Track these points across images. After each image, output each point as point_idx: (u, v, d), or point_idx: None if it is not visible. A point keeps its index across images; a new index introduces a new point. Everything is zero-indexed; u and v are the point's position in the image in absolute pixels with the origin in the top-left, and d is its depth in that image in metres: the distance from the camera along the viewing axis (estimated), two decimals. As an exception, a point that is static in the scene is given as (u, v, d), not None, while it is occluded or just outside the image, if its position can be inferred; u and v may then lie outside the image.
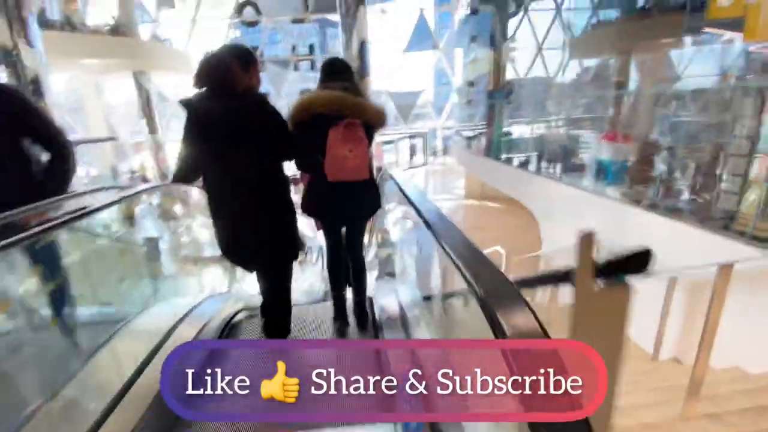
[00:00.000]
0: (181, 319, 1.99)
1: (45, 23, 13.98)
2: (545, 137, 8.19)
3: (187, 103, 1.63)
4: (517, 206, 11.74)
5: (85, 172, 22.42)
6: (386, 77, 22.13)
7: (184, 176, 1.81)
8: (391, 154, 21.73)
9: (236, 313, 2.38)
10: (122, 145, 22.70)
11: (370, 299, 2.46)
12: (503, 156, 9.45)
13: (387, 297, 2.35)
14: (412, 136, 22.17)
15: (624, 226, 4.02)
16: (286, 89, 23.09)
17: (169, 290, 2.60)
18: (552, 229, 5.17)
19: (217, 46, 1.65)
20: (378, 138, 13.70)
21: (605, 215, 4.17)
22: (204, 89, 1.62)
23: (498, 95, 9.87)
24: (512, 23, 10.96)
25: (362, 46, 11.86)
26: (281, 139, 1.73)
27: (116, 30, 15.89)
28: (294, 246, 1.94)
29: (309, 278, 4.83)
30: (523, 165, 7.93)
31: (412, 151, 22.26)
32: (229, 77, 1.58)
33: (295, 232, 1.93)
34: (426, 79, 23.20)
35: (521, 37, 11.19)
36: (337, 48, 19.73)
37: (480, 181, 13.71)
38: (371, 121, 1.92)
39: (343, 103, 1.81)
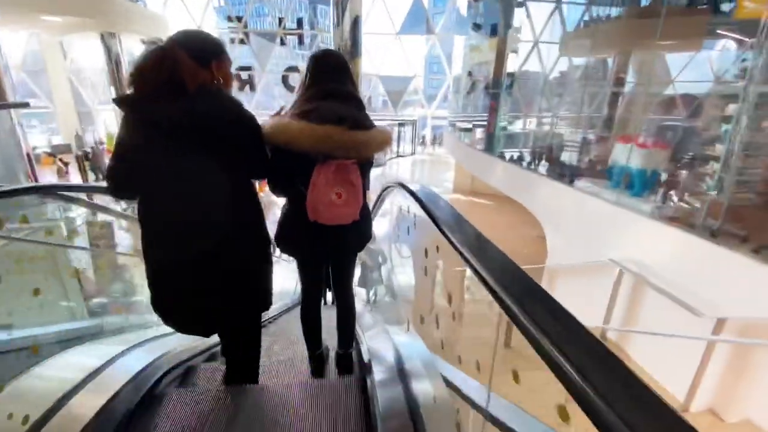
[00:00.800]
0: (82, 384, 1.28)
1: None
2: (551, 135, 7.63)
3: (124, 102, 1.16)
4: (507, 204, 11.37)
5: (46, 141, 20.90)
6: (378, 59, 21.21)
7: (119, 187, 1.24)
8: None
9: (171, 369, 1.61)
10: (89, 112, 21.08)
11: (359, 350, 1.87)
12: (505, 153, 8.87)
13: (382, 343, 1.76)
14: (401, 124, 21.45)
15: (672, 253, 3.15)
16: (271, 65, 21.82)
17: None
18: (561, 241, 4.69)
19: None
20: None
21: (640, 236, 3.29)
22: (146, 90, 1.15)
23: (500, 87, 9.27)
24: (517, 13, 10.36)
25: (355, 23, 11.04)
26: (252, 156, 1.30)
27: (83, -16, 14.26)
28: (267, 296, 1.44)
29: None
30: (530, 164, 7.33)
31: (400, 139, 21.59)
32: (177, 74, 1.13)
33: (270, 280, 1.45)
34: (418, 65, 22.40)
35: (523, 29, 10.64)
36: (327, 25, 18.66)
37: (469, 175, 13.25)
38: (373, 156, 1.47)
39: (338, 144, 1.30)
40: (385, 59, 21.42)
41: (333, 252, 1.61)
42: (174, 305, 1.28)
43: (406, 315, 2.13)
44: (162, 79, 1.11)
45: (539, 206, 5.76)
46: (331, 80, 1.42)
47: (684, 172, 3.59)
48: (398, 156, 21.24)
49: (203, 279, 1.23)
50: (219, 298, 1.27)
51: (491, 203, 12.43)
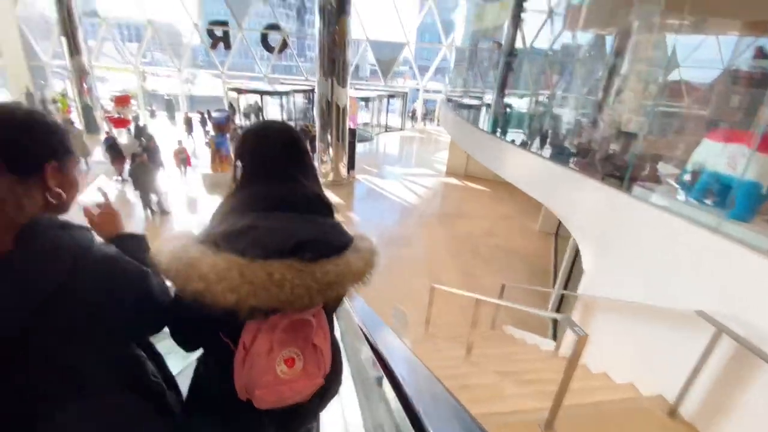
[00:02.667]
0: None
1: None
2: (593, 120, 6.14)
3: None
4: (503, 190, 10.45)
5: None
6: (368, 22, 19.35)
7: None
8: (365, 114, 19.51)
9: None
10: (41, 67, 18.73)
11: None
12: (521, 138, 7.42)
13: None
14: (390, 96, 19.94)
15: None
16: (249, 22, 19.65)
17: None
18: (605, 265, 3.54)
19: None
20: (353, 93, 11.28)
21: (755, 283, 2.17)
22: None
23: (515, 57, 7.86)
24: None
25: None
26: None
27: None
28: None
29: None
30: (557, 155, 5.78)
31: (388, 112, 20.15)
32: None
33: None
34: (410, 32, 20.60)
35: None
36: (313, -22, 16.69)
37: (465, 157, 12.20)
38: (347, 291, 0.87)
39: (292, 291, 0.72)
40: (376, 22, 19.57)
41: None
42: None
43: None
44: None
45: (570, 212, 4.61)
46: (278, 174, 0.89)
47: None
48: (386, 130, 19.88)
49: None
50: None
51: (487, 190, 11.49)
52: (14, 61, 17.38)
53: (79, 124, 14.50)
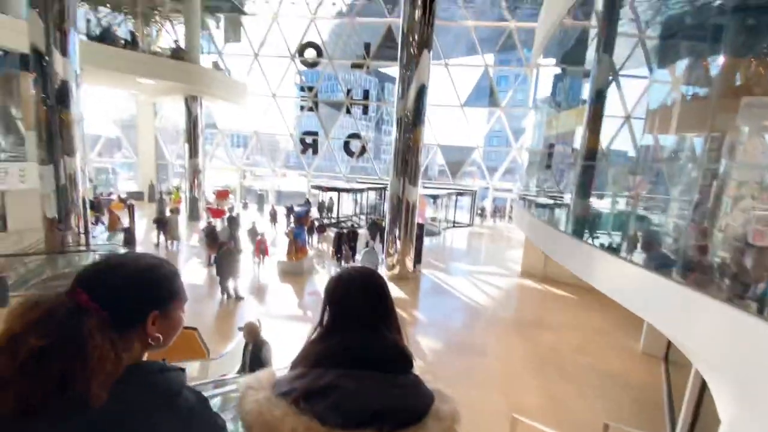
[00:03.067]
0: None
1: (110, 39, 14.27)
2: (683, 227, 5.35)
3: None
4: (593, 297, 9.22)
5: (127, 187, 22.87)
6: (439, 129, 21.03)
7: None
8: (433, 209, 19.96)
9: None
10: (165, 165, 22.98)
11: None
12: (605, 240, 6.65)
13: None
14: (459, 193, 20.38)
15: None
16: (335, 131, 22.59)
17: None
18: (754, 415, 2.54)
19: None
20: (422, 191, 11.72)
21: None
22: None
23: (595, 160, 7.64)
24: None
25: (421, 92, 10.69)
26: None
27: (176, 53, 16.05)
28: None
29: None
30: (660, 266, 4.74)
31: (456, 209, 20.36)
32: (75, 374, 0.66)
33: None
34: (479, 137, 21.83)
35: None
36: (392, 101, 19.10)
37: (542, 258, 11.37)
38: None
39: None
40: (447, 130, 21.20)
41: None
42: None
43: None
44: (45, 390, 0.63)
45: (684, 334, 3.69)
46: (362, 325, 0.92)
47: None
48: (454, 226, 19.86)
49: None
50: None
51: (572, 296, 10.31)
52: (146, 160, 21.62)
53: (184, 212, 16.91)
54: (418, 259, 11.53)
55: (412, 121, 10.55)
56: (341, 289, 0.97)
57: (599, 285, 5.43)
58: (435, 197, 18.75)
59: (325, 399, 0.76)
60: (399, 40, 10.52)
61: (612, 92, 8.51)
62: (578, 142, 8.40)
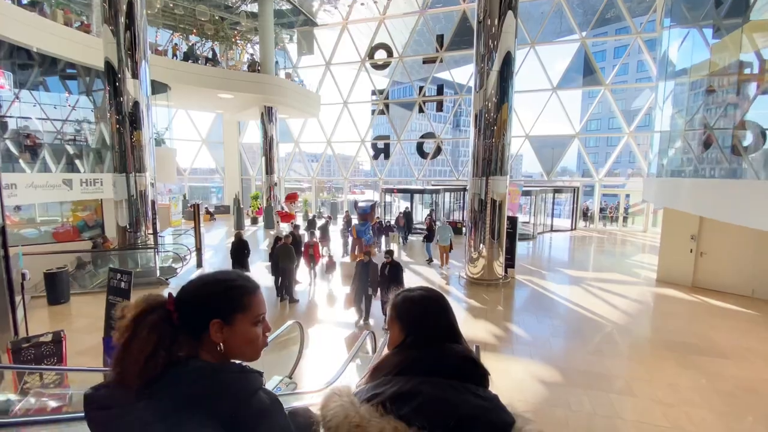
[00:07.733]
0: None
1: (194, 57, 15.03)
2: None
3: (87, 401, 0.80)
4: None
5: (215, 199, 24.52)
6: (527, 119, 18.24)
7: None
8: (524, 213, 17.06)
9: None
10: (248, 179, 24.09)
11: None
12: None
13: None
14: (557, 190, 17.15)
15: None
16: (407, 132, 21.26)
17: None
18: None
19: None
20: (513, 187, 9.43)
21: None
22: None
23: None
24: None
25: (507, 59, 8.65)
26: None
27: (252, 66, 16.44)
28: None
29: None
30: None
31: (553, 211, 17.10)
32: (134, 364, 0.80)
33: None
34: (575, 123, 18.32)
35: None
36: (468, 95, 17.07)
37: (690, 260, 8.11)
38: None
39: None
40: (537, 118, 18.25)
41: None
42: None
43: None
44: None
45: None
46: (437, 338, 1.00)
47: None
48: (551, 230, 16.63)
49: None
50: None
51: (747, 310, 6.96)
52: (231, 176, 22.79)
53: (262, 220, 17.08)
54: (510, 263, 9.18)
55: (498, 99, 8.56)
56: (416, 308, 1.04)
57: None
58: (527, 194, 16.01)
59: (409, 403, 0.82)
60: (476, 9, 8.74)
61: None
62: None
